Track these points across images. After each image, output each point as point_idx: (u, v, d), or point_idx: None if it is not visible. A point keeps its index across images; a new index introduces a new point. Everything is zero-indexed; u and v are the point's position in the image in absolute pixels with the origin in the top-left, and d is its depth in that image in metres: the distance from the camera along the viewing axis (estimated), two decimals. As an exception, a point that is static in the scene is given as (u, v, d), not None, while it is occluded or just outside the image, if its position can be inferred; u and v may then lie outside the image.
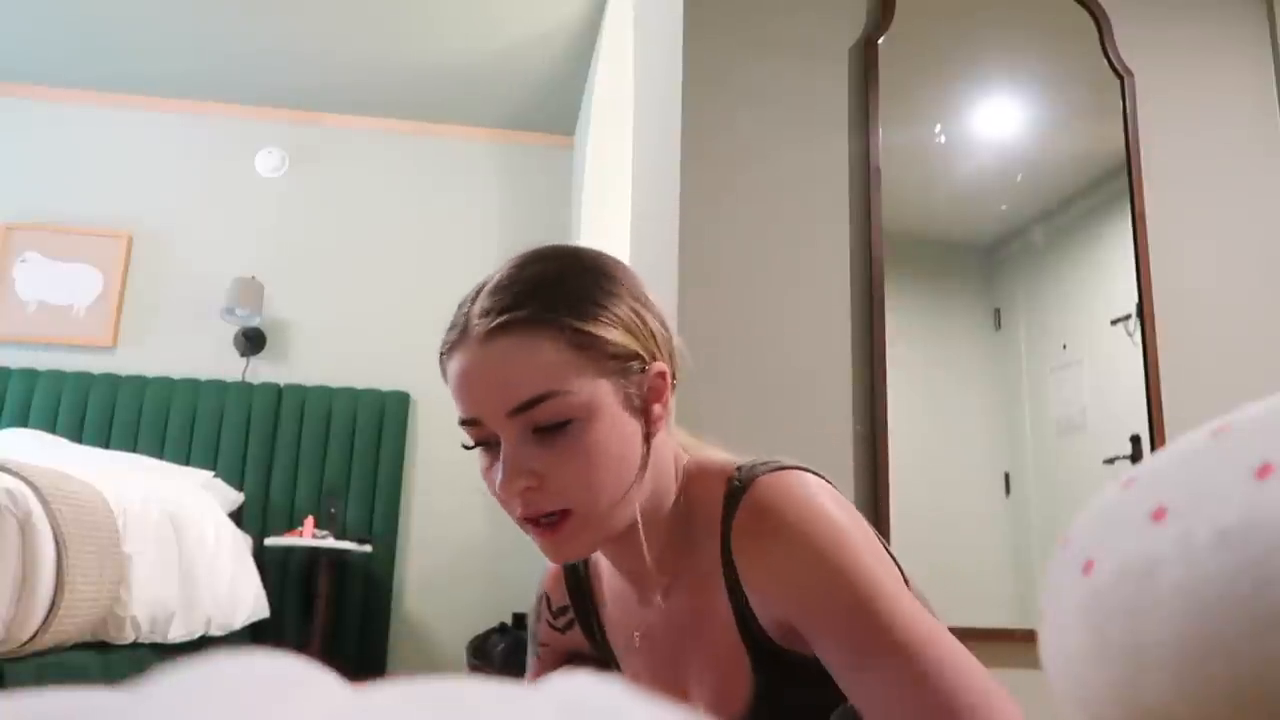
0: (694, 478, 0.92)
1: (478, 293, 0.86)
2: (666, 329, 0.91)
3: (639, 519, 0.86)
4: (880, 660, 0.73)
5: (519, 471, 0.81)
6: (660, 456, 0.89)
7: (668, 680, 0.93)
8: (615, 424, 0.82)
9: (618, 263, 0.90)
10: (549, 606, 1.04)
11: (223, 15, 4.03)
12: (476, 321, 0.82)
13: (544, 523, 0.83)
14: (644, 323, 0.86)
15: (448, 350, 0.85)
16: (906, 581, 0.93)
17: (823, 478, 0.88)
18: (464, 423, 0.84)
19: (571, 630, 1.04)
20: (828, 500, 0.83)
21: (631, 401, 0.84)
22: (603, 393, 0.82)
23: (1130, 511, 0.37)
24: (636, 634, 0.95)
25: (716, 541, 0.87)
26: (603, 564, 1.01)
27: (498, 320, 0.81)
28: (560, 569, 1.04)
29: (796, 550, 0.79)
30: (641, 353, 0.85)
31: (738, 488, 0.86)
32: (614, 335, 0.83)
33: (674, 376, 0.90)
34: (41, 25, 4.16)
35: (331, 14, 3.99)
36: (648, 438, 0.86)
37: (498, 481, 0.82)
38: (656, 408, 0.86)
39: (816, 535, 0.79)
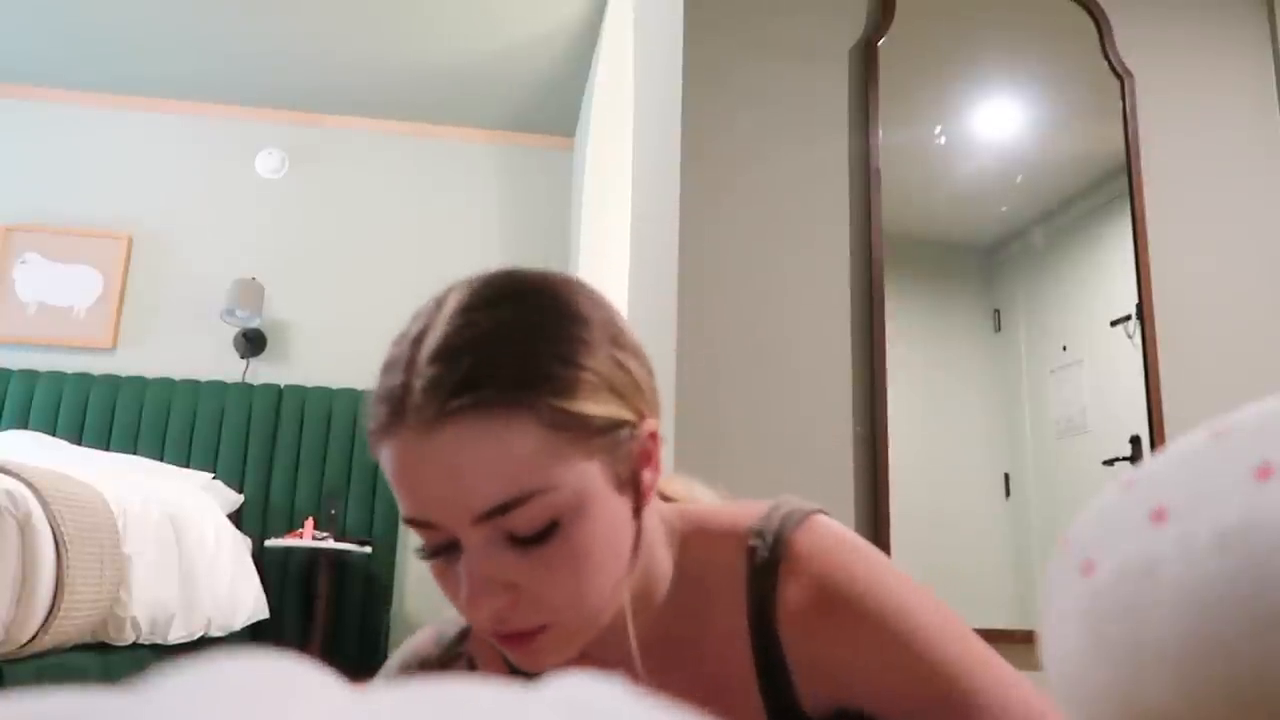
0: (693, 540, 0.79)
1: (414, 350, 0.66)
2: (646, 365, 0.73)
3: (628, 605, 0.72)
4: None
5: (489, 589, 0.64)
6: (648, 524, 0.74)
7: None
8: (607, 514, 0.67)
9: (585, 291, 0.72)
10: (474, 671, 0.85)
11: (223, 16, 4.03)
12: (419, 399, 0.62)
13: (514, 638, 0.68)
14: (628, 374, 0.69)
15: (378, 430, 0.65)
16: None
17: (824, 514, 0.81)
18: (410, 522, 0.66)
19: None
20: (870, 554, 0.76)
21: (620, 476, 0.68)
22: (591, 479, 0.65)
23: (1130, 512, 0.37)
24: None
25: (739, 614, 0.76)
26: None
27: (452, 403, 0.62)
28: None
29: (873, 634, 0.72)
30: (630, 416, 0.68)
31: (766, 556, 0.76)
32: (599, 404, 0.66)
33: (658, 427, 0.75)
34: (42, 26, 4.16)
35: (331, 15, 4.00)
36: (638, 511, 0.70)
37: (462, 604, 0.66)
38: (647, 474, 0.70)
39: (891, 613, 0.73)
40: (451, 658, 0.85)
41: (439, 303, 0.70)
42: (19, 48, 4.33)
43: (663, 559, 0.77)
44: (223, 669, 0.23)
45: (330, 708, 0.22)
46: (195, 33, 4.17)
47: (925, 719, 0.72)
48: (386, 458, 0.65)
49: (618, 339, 0.70)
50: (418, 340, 0.66)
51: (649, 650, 0.77)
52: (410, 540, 4.10)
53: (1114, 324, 2.39)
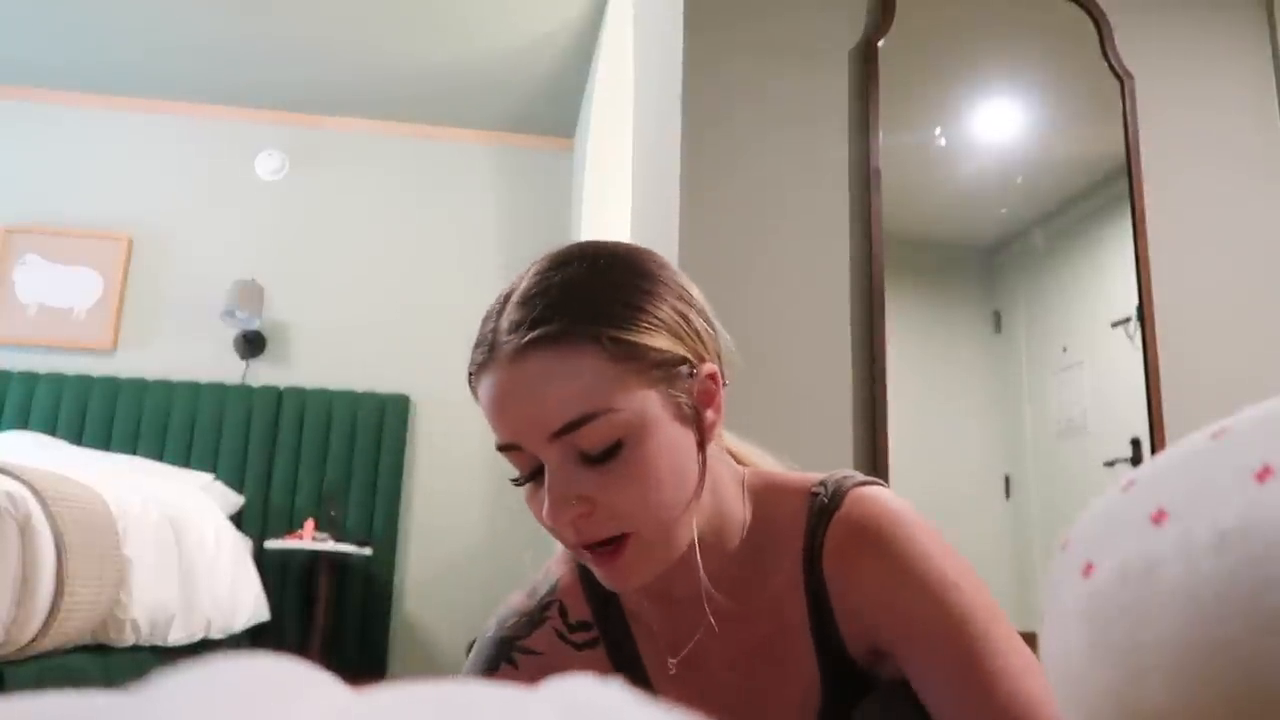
0: (764, 494, 0.87)
1: (504, 304, 0.77)
2: (713, 327, 0.83)
3: (696, 539, 0.80)
4: (974, 691, 0.72)
5: (566, 498, 0.73)
6: (716, 468, 0.82)
7: (723, 706, 0.85)
8: (668, 438, 0.75)
9: (654, 257, 0.83)
10: (564, 616, 0.92)
11: (222, 18, 4.04)
12: (505, 338, 0.74)
13: (602, 550, 0.75)
14: (688, 323, 0.79)
15: (476, 370, 0.77)
16: None
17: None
18: (502, 448, 0.77)
19: (589, 651, 0.91)
20: (922, 521, 0.81)
21: (683, 410, 0.77)
22: (652, 405, 0.74)
23: (1130, 513, 0.37)
24: (672, 661, 0.87)
25: (797, 560, 0.83)
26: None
27: (528, 336, 0.73)
28: (579, 581, 0.93)
29: (902, 573, 0.77)
30: (689, 356, 0.78)
31: (824, 504, 0.82)
32: (658, 341, 0.75)
33: (724, 377, 0.83)
34: (42, 28, 4.16)
35: (331, 17, 4.00)
36: (702, 446, 0.78)
37: (545, 514, 0.74)
38: (709, 413, 0.79)
39: (922, 558, 0.77)
40: (544, 605, 0.92)
41: (525, 269, 0.81)
42: (19, 49, 4.34)
43: (736, 507, 0.85)
44: (223, 671, 0.23)
45: (330, 709, 0.22)
46: (195, 34, 4.17)
47: (942, 672, 0.74)
48: (483, 394, 0.76)
49: (682, 295, 0.80)
50: (505, 297, 0.78)
51: (724, 588, 0.84)
52: (410, 541, 4.11)
53: (1114, 325, 2.39)
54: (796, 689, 0.84)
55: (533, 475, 0.77)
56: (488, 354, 0.75)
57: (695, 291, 0.83)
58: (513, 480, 0.79)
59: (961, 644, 0.74)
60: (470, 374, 0.78)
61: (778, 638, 0.84)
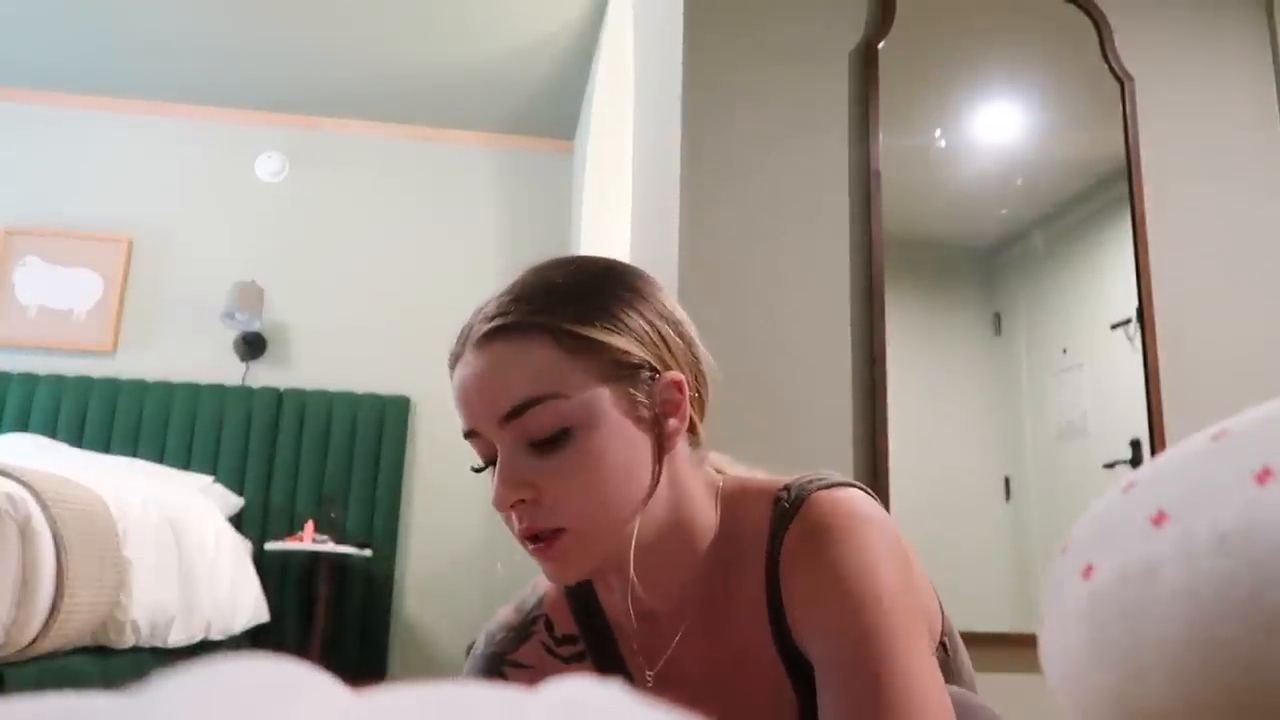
0: (734, 501, 0.86)
1: (485, 302, 0.83)
2: (694, 351, 0.84)
3: (666, 550, 0.81)
4: (865, 707, 0.71)
5: (512, 482, 0.76)
6: (684, 478, 0.83)
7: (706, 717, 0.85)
8: (618, 434, 0.77)
9: (642, 275, 0.85)
10: (550, 630, 0.94)
11: (222, 20, 4.04)
12: (474, 330, 0.80)
13: (540, 541, 0.78)
14: (658, 333, 0.81)
15: (452, 359, 0.82)
16: (945, 620, 0.90)
17: (870, 494, 0.84)
18: (466, 435, 0.80)
19: (576, 664, 0.93)
20: (876, 529, 0.78)
21: (639, 412, 0.78)
22: (602, 400, 0.76)
23: (1130, 515, 0.37)
24: (649, 673, 0.88)
25: (761, 566, 0.82)
26: (617, 595, 0.91)
27: (489, 325, 0.78)
28: (564, 595, 0.95)
29: (826, 580, 0.76)
30: (651, 361, 0.79)
31: (786, 508, 0.81)
32: (616, 340, 0.78)
33: (701, 397, 0.84)
34: (42, 30, 4.16)
35: (331, 19, 4.00)
36: (660, 454, 0.80)
37: (492, 499, 0.78)
38: (672, 422, 0.80)
39: (851, 567, 0.75)
40: (530, 620, 0.95)
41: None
42: (20, 50, 4.34)
43: (706, 513, 0.85)
44: (223, 672, 0.23)
45: (330, 710, 0.22)
46: (195, 36, 4.17)
47: (838, 683, 0.73)
48: (454, 381, 0.80)
49: (657, 309, 0.83)
50: (492, 296, 0.82)
51: (697, 597, 0.85)
52: (410, 543, 4.10)
53: (1114, 327, 2.39)
54: (768, 701, 0.83)
55: (490, 463, 0.80)
56: (460, 345, 0.81)
57: (679, 314, 0.85)
58: (473, 468, 0.83)
59: (863, 660, 0.72)
60: (449, 364, 0.82)
61: (748, 648, 0.83)
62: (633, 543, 0.79)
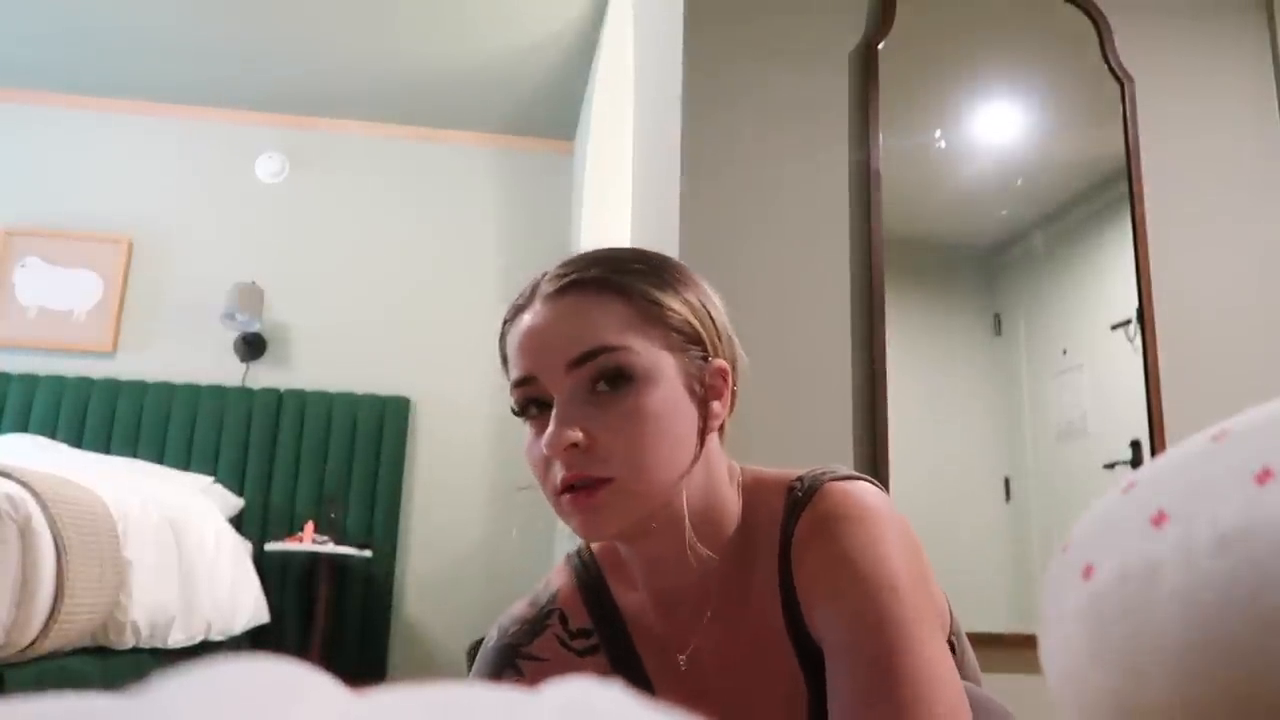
0: (751, 491, 0.89)
1: (543, 275, 0.85)
2: (734, 348, 0.89)
3: (689, 529, 0.82)
4: (877, 694, 0.71)
5: (570, 422, 0.77)
6: (715, 462, 0.86)
7: (719, 706, 0.86)
8: (675, 399, 0.80)
9: (690, 271, 0.90)
10: (565, 624, 0.94)
11: (222, 20, 4.04)
12: (546, 285, 0.82)
13: (582, 487, 0.78)
14: (711, 318, 0.86)
15: (513, 315, 0.84)
16: (952, 618, 0.91)
17: (880, 488, 0.85)
18: (518, 384, 0.82)
19: (591, 657, 0.93)
20: (888, 520, 0.80)
21: (693, 386, 0.82)
22: (665, 364, 0.80)
23: (1130, 516, 0.37)
24: (681, 658, 0.88)
25: (775, 554, 0.84)
26: (639, 581, 0.92)
27: (568, 279, 0.81)
28: (578, 589, 0.95)
29: (840, 567, 0.77)
30: (706, 341, 0.84)
31: (800, 497, 0.84)
32: (683, 313, 0.83)
33: (734, 388, 0.87)
34: (42, 30, 4.17)
35: (331, 19, 4.00)
36: (703, 433, 0.83)
37: (544, 440, 0.77)
38: (716, 405, 0.84)
39: (865, 555, 0.76)
40: (545, 614, 0.95)
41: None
42: (20, 52, 4.34)
43: (732, 501, 0.88)
44: (223, 673, 0.23)
45: (330, 711, 0.22)
46: (195, 36, 4.17)
47: (851, 670, 0.73)
48: (515, 332, 0.83)
49: (711, 302, 0.87)
50: (556, 264, 0.85)
51: (714, 585, 0.86)
52: (410, 543, 4.10)
53: (1114, 328, 2.39)
54: (782, 689, 0.84)
55: (533, 405, 0.81)
56: (527, 299, 0.83)
57: (721, 307, 0.90)
58: (514, 410, 0.83)
59: (877, 646, 0.72)
60: (505, 321, 0.84)
61: (763, 637, 0.84)
62: (685, 508, 0.82)
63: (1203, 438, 0.38)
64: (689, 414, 0.81)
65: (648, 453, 0.78)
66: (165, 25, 4.09)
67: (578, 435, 0.77)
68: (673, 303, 0.82)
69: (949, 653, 0.76)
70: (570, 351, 0.79)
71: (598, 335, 0.79)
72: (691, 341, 0.83)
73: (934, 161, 2.41)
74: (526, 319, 0.82)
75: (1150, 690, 0.33)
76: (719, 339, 0.86)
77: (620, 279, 0.81)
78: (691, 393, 0.82)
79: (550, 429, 0.78)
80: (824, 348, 2.19)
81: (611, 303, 0.80)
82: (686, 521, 0.82)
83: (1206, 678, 0.31)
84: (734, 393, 0.87)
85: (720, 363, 0.84)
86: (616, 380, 0.78)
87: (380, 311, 4.64)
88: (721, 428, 0.87)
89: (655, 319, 0.81)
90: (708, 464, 0.84)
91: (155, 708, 0.21)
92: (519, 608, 0.98)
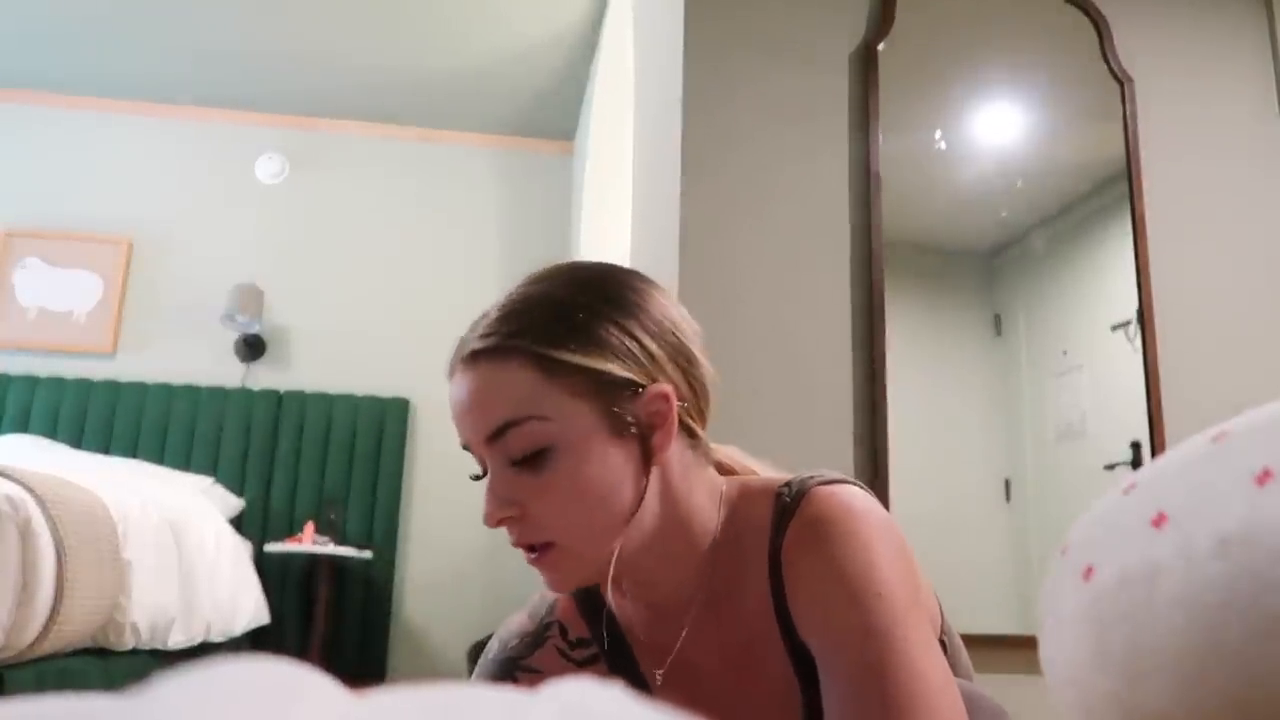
0: (737, 501, 0.88)
1: (481, 316, 0.85)
2: (687, 358, 0.85)
3: (666, 552, 0.84)
4: (869, 701, 0.71)
5: (497, 501, 0.80)
6: (677, 483, 0.84)
7: (716, 710, 0.86)
8: (597, 453, 0.79)
9: (631, 283, 0.86)
10: (565, 635, 0.96)
11: (222, 21, 4.04)
12: (464, 349, 0.83)
13: (532, 554, 0.82)
14: (641, 347, 0.81)
15: (449, 372, 0.85)
16: (943, 618, 0.91)
17: (867, 491, 0.85)
18: (464, 447, 0.84)
19: (591, 667, 0.95)
20: (875, 524, 0.79)
21: (623, 429, 0.80)
22: (581, 419, 0.78)
23: (1131, 517, 0.37)
24: (658, 673, 0.90)
25: (764, 562, 0.83)
26: (625, 596, 0.93)
27: (474, 346, 0.81)
28: (574, 600, 0.97)
29: (829, 573, 0.77)
30: (633, 377, 0.80)
31: (788, 504, 0.83)
32: (592, 361, 0.79)
33: (698, 403, 0.85)
34: (42, 31, 4.17)
35: (332, 20, 4.00)
36: (648, 466, 0.81)
37: (482, 514, 0.82)
38: (657, 435, 0.81)
39: (853, 561, 0.76)
40: (544, 626, 0.97)
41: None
42: (19, 53, 4.34)
43: (705, 514, 0.86)
44: (223, 674, 0.23)
45: (330, 712, 0.22)
46: (195, 38, 4.17)
47: (844, 677, 0.74)
48: (449, 396, 0.83)
49: (645, 322, 0.83)
50: (485, 311, 0.85)
51: (703, 596, 0.86)
52: (410, 545, 4.10)
53: (1114, 328, 2.39)
54: (775, 695, 0.84)
55: (487, 473, 0.83)
56: (452, 362, 0.84)
57: (673, 319, 0.85)
58: (471, 476, 0.87)
59: (867, 655, 0.72)
60: (448, 379, 0.85)
61: (754, 643, 0.84)
62: (614, 557, 0.81)
63: (1203, 439, 0.38)
64: (619, 460, 0.80)
65: (578, 514, 0.79)
66: (165, 27, 4.09)
67: (508, 511, 0.80)
68: (582, 357, 0.79)
69: (942, 656, 0.76)
70: (483, 428, 0.80)
71: (504, 408, 0.78)
72: (613, 383, 0.80)
73: (934, 162, 2.41)
74: (452, 387, 0.83)
75: (1150, 691, 0.33)
76: (653, 363, 0.82)
77: (520, 342, 0.79)
78: (621, 435, 0.80)
79: (484, 503, 0.81)
80: (824, 348, 2.19)
81: (517, 369, 0.79)
82: (611, 569, 0.82)
83: (1206, 680, 0.31)
84: (698, 405, 0.85)
85: (659, 388, 0.81)
86: (531, 456, 0.78)
87: (380, 313, 4.63)
88: (696, 434, 0.86)
89: (560, 375, 0.78)
90: (665, 489, 0.83)
91: (155, 708, 0.21)
92: (518, 621, 0.99)
